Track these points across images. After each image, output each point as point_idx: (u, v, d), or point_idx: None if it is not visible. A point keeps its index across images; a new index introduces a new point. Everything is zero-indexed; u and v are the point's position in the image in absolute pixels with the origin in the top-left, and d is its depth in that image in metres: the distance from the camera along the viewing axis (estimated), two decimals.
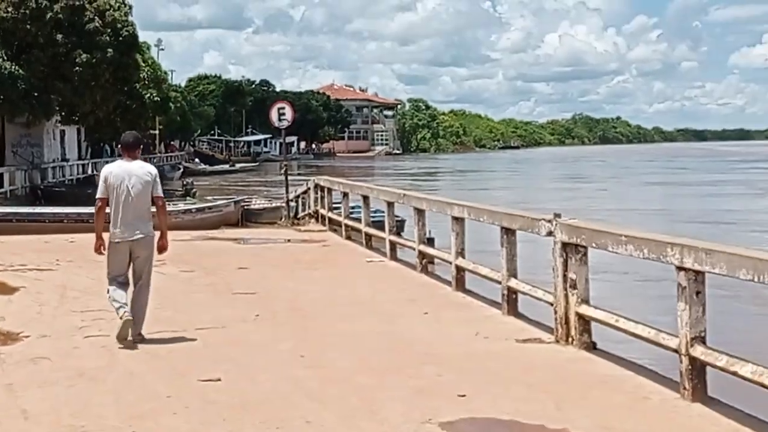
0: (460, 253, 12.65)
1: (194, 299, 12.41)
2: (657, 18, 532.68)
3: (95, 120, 41.41)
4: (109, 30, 37.05)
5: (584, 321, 8.80)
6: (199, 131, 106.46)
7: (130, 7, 41.33)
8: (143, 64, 52.01)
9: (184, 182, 43.09)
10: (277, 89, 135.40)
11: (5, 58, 33.83)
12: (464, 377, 7.91)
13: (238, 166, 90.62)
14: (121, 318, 9.26)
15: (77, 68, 35.60)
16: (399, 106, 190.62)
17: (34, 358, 8.76)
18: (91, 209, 9.84)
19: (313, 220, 24.00)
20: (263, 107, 77.06)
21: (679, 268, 7.03)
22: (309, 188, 24.77)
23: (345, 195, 20.52)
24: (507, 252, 10.68)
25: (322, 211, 22.91)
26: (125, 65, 39.06)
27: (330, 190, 22.43)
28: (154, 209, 9.64)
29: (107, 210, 9.46)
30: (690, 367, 7.03)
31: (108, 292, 9.55)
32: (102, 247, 9.43)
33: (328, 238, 20.33)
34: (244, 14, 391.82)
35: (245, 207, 26.39)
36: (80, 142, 53.47)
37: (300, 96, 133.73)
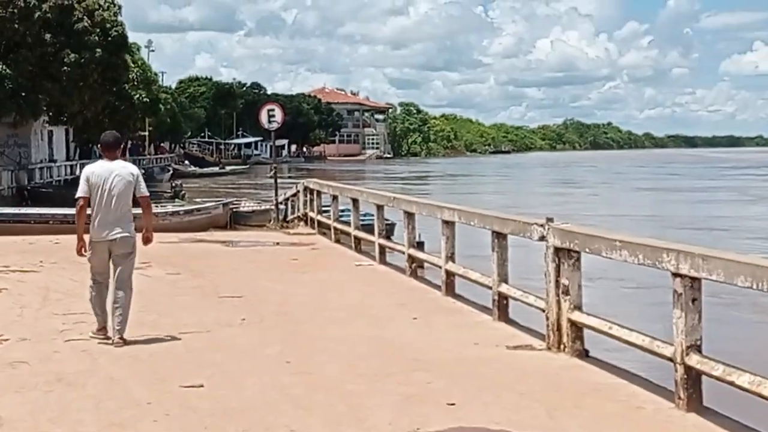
0: (450, 258, 12.46)
1: (179, 302, 12.18)
2: (648, 24, 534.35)
3: (83, 120, 41.14)
4: (98, 30, 36.83)
5: (577, 328, 8.61)
6: (189, 133, 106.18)
7: (120, 7, 41.09)
8: (133, 65, 51.73)
9: (173, 184, 42.86)
10: (269, 92, 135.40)
11: None
12: (454, 384, 7.71)
13: (228, 168, 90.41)
14: (96, 330, 9.52)
15: (65, 68, 35.36)
16: (390, 110, 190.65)
17: (13, 362, 8.52)
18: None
19: (302, 223, 23.79)
20: (254, 110, 76.80)
21: (675, 275, 6.84)
22: (298, 191, 24.57)
23: (334, 198, 20.33)
24: (498, 257, 10.49)
25: (312, 214, 22.71)
26: (114, 65, 38.82)
27: (319, 193, 22.23)
28: (136, 210, 9.52)
29: (88, 210, 9.38)
30: (685, 376, 6.85)
31: (90, 297, 9.59)
32: (84, 249, 9.39)
33: (317, 242, 20.13)
34: (236, 17, 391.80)
35: (234, 209, 26.12)
36: (68, 142, 53.13)
37: (291, 99, 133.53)
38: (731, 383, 6.40)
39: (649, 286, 15.13)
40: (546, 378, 7.96)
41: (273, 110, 25.37)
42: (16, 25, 34.30)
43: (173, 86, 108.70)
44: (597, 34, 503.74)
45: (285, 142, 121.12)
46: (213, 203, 27.07)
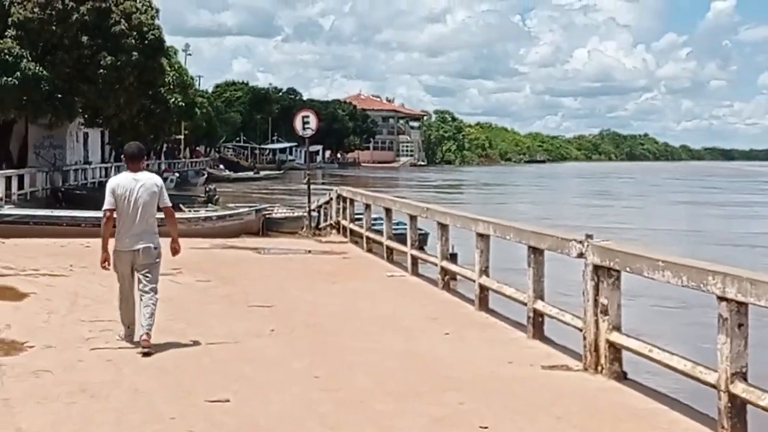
0: (484, 272, 12.20)
1: (208, 311, 12.00)
2: (687, 36, 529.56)
3: (119, 123, 41.12)
4: (134, 33, 36.81)
5: (615, 349, 8.33)
6: (224, 137, 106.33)
7: (157, 11, 41.12)
8: (169, 69, 51.80)
9: (207, 188, 42.74)
10: (304, 98, 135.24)
11: (30, 59, 33.65)
12: (487, 405, 7.46)
13: (262, 173, 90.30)
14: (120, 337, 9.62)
15: (102, 71, 35.34)
16: (425, 118, 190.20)
17: (36, 370, 8.37)
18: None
19: (334, 231, 23.59)
20: (289, 115, 76.79)
21: (721, 299, 6.57)
22: (331, 198, 24.38)
23: (367, 206, 20.13)
24: (534, 272, 10.22)
25: (344, 223, 22.52)
26: (150, 69, 38.79)
27: (352, 201, 22.04)
28: (160, 217, 9.61)
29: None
30: (729, 404, 6.57)
31: (119, 305, 9.72)
32: (107, 262, 9.51)
33: (348, 250, 19.92)
34: (274, 22, 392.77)
35: (266, 215, 25.97)
36: (104, 145, 53.33)
37: (327, 105, 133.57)
38: None
39: (690, 305, 14.70)
40: (583, 401, 7.69)
41: (308, 117, 25.20)
42: (54, 27, 34.33)
43: (210, 90, 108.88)
44: (635, 44, 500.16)
45: (319, 147, 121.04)
46: (246, 209, 26.91)
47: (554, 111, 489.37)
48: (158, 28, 39.91)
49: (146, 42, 38.02)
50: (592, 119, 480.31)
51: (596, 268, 8.47)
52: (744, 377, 6.54)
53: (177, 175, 62.87)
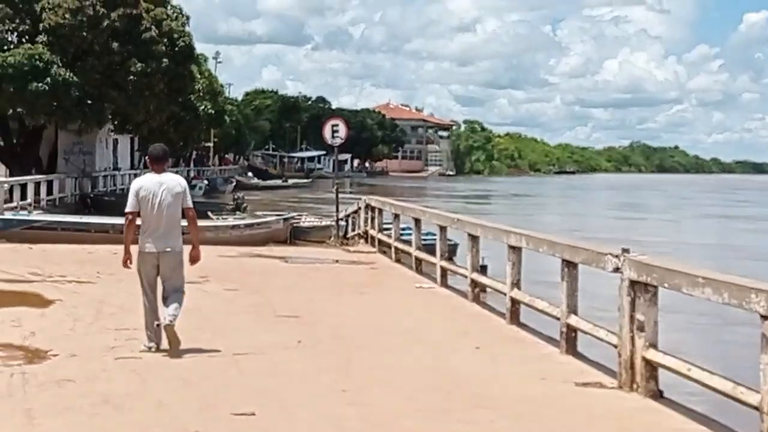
0: (516, 284, 11.95)
1: (235, 321, 11.84)
2: (719, 48, 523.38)
3: (148, 130, 41.11)
4: (165, 40, 36.81)
5: (651, 367, 8.07)
6: (253, 145, 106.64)
7: (187, 18, 41.16)
8: (199, 76, 51.89)
9: (236, 196, 42.76)
10: (333, 106, 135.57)
11: (60, 65, 33.73)
12: (519, 425, 7.25)
13: (290, 181, 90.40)
14: (146, 346, 9.51)
15: (132, 77, 35.34)
16: (454, 127, 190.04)
17: (60, 380, 8.22)
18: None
19: (362, 241, 23.42)
20: (318, 124, 76.86)
21: (765, 317, 6.31)
22: (360, 208, 24.21)
23: (396, 216, 19.94)
24: (567, 286, 9.96)
25: (372, 232, 22.34)
26: (180, 76, 38.78)
27: (381, 211, 21.87)
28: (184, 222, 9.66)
29: (137, 222, 9.56)
30: None
31: (144, 311, 9.65)
32: (129, 261, 9.59)
33: (377, 261, 19.73)
34: (304, 31, 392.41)
35: (294, 224, 25.87)
36: (133, 151, 53.45)
37: (356, 114, 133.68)
38: None
39: (730, 322, 14.35)
40: (618, 421, 7.46)
41: (337, 125, 25.09)
42: (85, 34, 34.35)
43: (239, 98, 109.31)
44: (666, 56, 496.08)
45: (348, 156, 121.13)
46: (273, 217, 26.85)
47: (584, 122, 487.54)
48: (188, 35, 39.93)
49: (176, 49, 38.03)
50: (622, 131, 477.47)
51: (633, 284, 8.23)
52: None
53: (206, 182, 62.95)
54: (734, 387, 6.82)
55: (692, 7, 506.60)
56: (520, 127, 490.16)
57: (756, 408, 6.50)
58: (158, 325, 9.40)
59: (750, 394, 6.58)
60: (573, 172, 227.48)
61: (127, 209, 9.51)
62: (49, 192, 34.49)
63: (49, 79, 33.54)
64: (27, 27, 35.63)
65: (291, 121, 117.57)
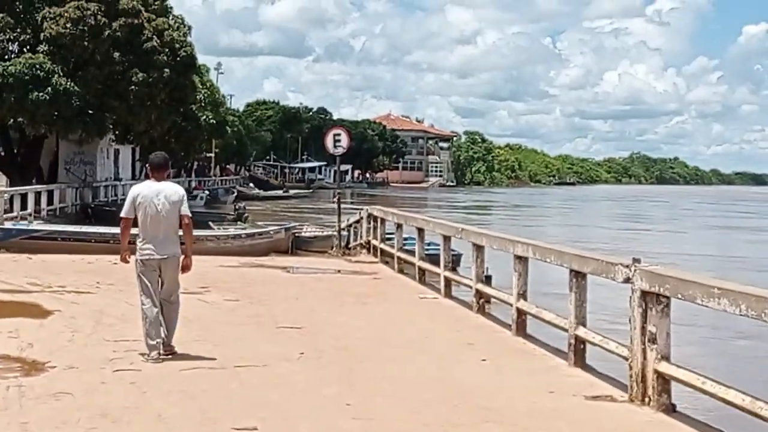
0: (522, 295, 11.76)
1: (236, 332, 11.63)
2: (718, 60, 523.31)
3: (150, 140, 40.92)
4: (166, 50, 36.61)
5: (664, 380, 7.87)
6: (254, 156, 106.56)
7: (189, 28, 40.99)
8: (201, 87, 51.73)
9: (237, 206, 42.57)
10: (334, 117, 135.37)
11: (61, 74, 33.55)
12: None
13: (291, 192, 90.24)
14: (148, 356, 9.45)
15: (133, 87, 35.16)
16: (455, 139, 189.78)
17: (57, 393, 8.02)
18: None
19: (364, 251, 23.22)
20: (319, 134, 76.66)
21: None
22: (362, 218, 24.01)
23: (399, 226, 19.74)
24: (576, 297, 9.77)
25: (374, 242, 22.15)
26: (182, 86, 38.60)
27: (383, 221, 21.66)
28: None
29: (134, 231, 9.68)
30: None
31: (143, 317, 9.59)
32: (128, 255, 9.75)
33: (379, 271, 19.53)
34: (305, 42, 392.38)
35: (296, 234, 25.67)
36: (134, 161, 53.30)
37: (356, 125, 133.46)
38: None
39: (745, 334, 14.09)
40: None
41: (339, 135, 24.87)
42: (86, 43, 34.16)
43: (241, 109, 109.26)
44: (665, 68, 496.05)
45: (349, 167, 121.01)
46: (275, 227, 26.65)
47: (584, 133, 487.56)
48: (190, 45, 39.77)
49: (178, 59, 37.86)
50: (622, 142, 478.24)
51: (644, 294, 8.03)
52: None
53: (207, 192, 62.81)
54: (753, 401, 6.61)
55: (691, 20, 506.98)
56: (521, 139, 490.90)
57: None
58: (159, 354, 9.45)
59: None
60: (573, 184, 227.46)
61: (122, 214, 9.70)
62: (50, 202, 34.31)
63: (50, 88, 33.36)
64: (28, 36, 35.47)
65: (292, 132, 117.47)
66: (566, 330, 9.99)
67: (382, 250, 21.33)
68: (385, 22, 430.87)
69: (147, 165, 10.84)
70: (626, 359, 8.38)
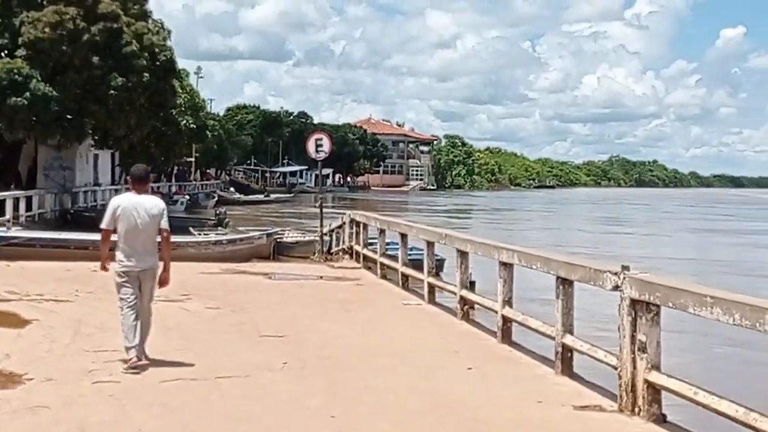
0: (508, 302, 11.62)
1: (218, 341, 11.43)
2: (696, 63, 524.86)
3: (129, 145, 40.73)
4: (146, 54, 36.44)
5: (654, 390, 7.73)
6: (235, 160, 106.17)
7: (169, 32, 40.88)
8: (181, 91, 51.46)
9: (218, 211, 42.28)
10: (315, 121, 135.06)
11: (40, 79, 33.26)
12: None
13: (272, 196, 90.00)
14: (128, 361, 9.37)
15: (112, 91, 34.95)
16: (435, 142, 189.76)
17: (34, 406, 7.82)
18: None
19: (347, 256, 23.04)
20: (300, 139, 76.39)
21: None
22: (344, 223, 23.82)
23: (381, 232, 19.57)
24: (562, 305, 9.63)
25: (357, 248, 21.97)
26: (161, 90, 38.41)
27: (366, 226, 21.49)
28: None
29: (113, 238, 9.71)
30: None
31: (122, 322, 9.61)
32: (107, 264, 9.79)
33: (362, 277, 19.36)
34: (285, 47, 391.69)
35: (278, 239, 25.46)
36: (114, 166, 52.95)
37: (337, 129, 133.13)
38: None
39: (736, 342, 13.93)
40: None
41: (321, 140, 24.66)
42: (64, 48, 33.95)
43: (221, 113, 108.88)
44: (644, 71, 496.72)
45: (330, 171, 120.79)
46: (256, 233, 26.43)
47: (563, 137, 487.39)
48: (170, 50, 39.59)
49: (157, 63, 37.68)
50: (601, 145, 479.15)
51: (634, 303, 7.89)
52: None
53: (187, 197, 62.47)
54: (746, 412, 6.48)
55: (670, 23, 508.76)
56: (500, 142, 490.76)
57: None
58: (138, 357, 9.42)
59: (764, 420, 6.24)
60: (553, 187, 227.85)
61: (103, 226, 9.72)
62: (29, 208, 33.99)
63: (28, 93, 33.10)
64: (6, 41, 35.21)
65: (273, 136, 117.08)
66: (553, 338, 9.85)
67: (365, 256, 21.16)
68: (365, 26, 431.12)
69: (128, 177, 10.78)
70: (615, 368, 8.24)
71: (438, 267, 17.80)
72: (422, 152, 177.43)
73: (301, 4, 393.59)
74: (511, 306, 11.62)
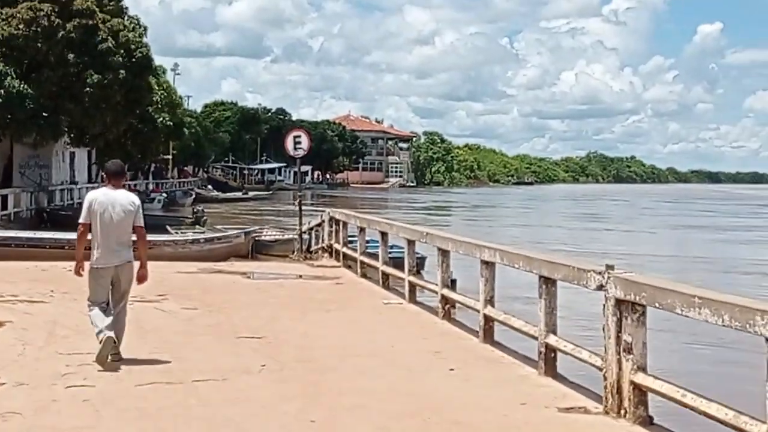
0: (490, 301, 11.46)
1: (195, 343, 11.20)
2: (674, 59, 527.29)
3: (105, 142, 40.41)
4: (122, 51, 36.13)
5: (640, 391, 7.58)
6: (213, 157, 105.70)
7: (145, 29, 40.52)
8: (158, 88, 51.12)
9: (195, 209, 41.95)
10: (294, 118, 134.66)
11: (14, 76, 32.89)
12: None
13: (251, 194, 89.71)
14: (100, 342, 9.37)
15: (88, 89, 34.63)
16: (414, 139, 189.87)
17: (4, 413, 7.57)
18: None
19: (326, 255, 22.84)
20: (279, 135, 76.13)
21: None
22: (324, 221, 23.62)
23: (361, 230, 19.38)
24: (546, 304, 9.46)
25: (337, 246, 21.77)
26: (137, 87, 38.10)
27: (345, 224, 21.29)
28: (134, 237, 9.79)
29: (89, 236, 9.67)
30: None
31: (90, 315, 9.67)
32: (81, 269, 9.64)
33: (342, 275, 19.17)
34: (263, 43, 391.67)
35: (256, 238, 25.24)
36: (90, 164, 52.53)
37: (316, 125, 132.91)
38: None
39: (726, 342, 13.78)
40: None
41: (299, 137, 24.41)
42: (39, 44, 33.61)
43: (198, 110, 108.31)
44: (622, 67, 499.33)
45: (309, 168, 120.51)
46: (235, 231, 26.21)
47: (541, 133, 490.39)
48: (146, 46, 39.28)
49: (134, 60, 37.38)
50: (579, 141, 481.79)
51: (619, 303, 7.74)
52: None
53: (165, 195, 62.10)
54: (736, 416, 6.33)
55: (647, 19, 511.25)
56: (479, 139, 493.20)
57: None
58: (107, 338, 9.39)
59: (755, 424, 6.10)
60: (531, 183, 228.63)
61: (80, 220, 9.67)
62: (4, 207, 33.67)
63: (2, 91, 32.75)
64: None
65: (251, 133, 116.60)
66: (536, 338, 9.70)
67: (344, 254, 20.97)
68: (344, 22, 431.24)
69: (104, 172, 10.65)
70: (600, 369, 8.09)
71: (419, 265, 17.65)
72: (401, 149, 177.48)
73: (278, 0, 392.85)
74: (493, 305, 11.46)
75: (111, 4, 38.34)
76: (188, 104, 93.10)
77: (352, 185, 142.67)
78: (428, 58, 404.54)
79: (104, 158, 47.32)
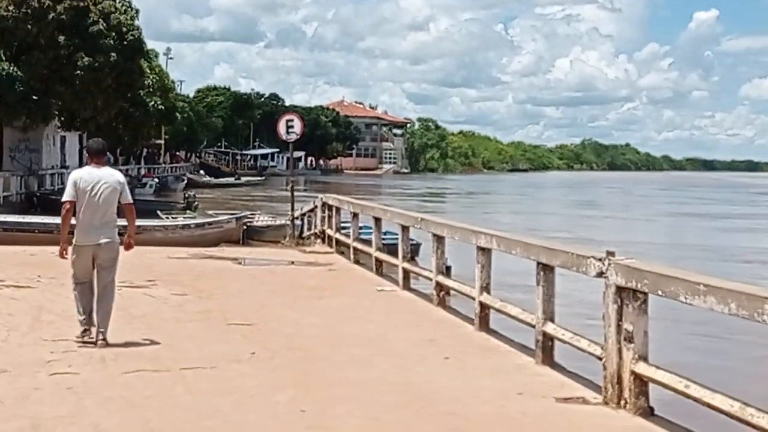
0: (485, 288, 11.22)
1: (184, 330, 10.96)
2: (669, 46, 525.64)
3: (96, 126, 39.97)
4: (113, 33, 35.78)
5: (641, 382, 7.35)
6: (205, 142, 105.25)
7: (137, 12, 40.13)
8: (149, 72, 50.72)
9: (187, 194, 41.69)
10: (287, 103, 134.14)
11: (4, 58, 32.57)
12: None
13: (243, 179, 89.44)
14: (81, 332, 9.56)
15: (79, 71, 34.28)
16: (408, 125, 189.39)
17: None
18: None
19: (319, 241, 22.58)
20: (272, 121, 75.73)
21: None
22: (316, 206, 23.35)
23: (355, 215, 19.12)
24: (543, 292, 9.22)
25: (329, 232, 21.51)
26: (129, 70, 37.74)
27: (338, 210, 21.03)
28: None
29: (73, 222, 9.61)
30: None
31: (75, 297, 9.74)
32: (65, 252, 9.66)
33: (334, 262, 18.92)
34: (256, 28, 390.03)
35: (248, 224, 24.98)
36: (82, 148, 52.13)
37: (309, 111, 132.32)
38: None
39: (730, 331, 13.51)
40: None
41: (292, 120, 24.12)
42: (29, 26, 33.26)
43: (191, 95, 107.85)
44: (617, 54, 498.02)
45: (302, 154, 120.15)
46: (226, 217, 25.95)
47: (536, 120, 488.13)
48: (138, 29, 38.91)
49: (125, 43, 37.02)
50: (573, 129, 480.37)
51: (619, 290, 7.50)
52: None
53: (156, 180, 61.81)
54: (742, 407, 6.10)
55: (643, 6, 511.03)
56: (473, 126, 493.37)
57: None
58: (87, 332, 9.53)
59: (762, 416, 5.87)
60: (526, 170, 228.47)
61: (65, 198, 9.57)
62: None
63: None
64: None
65: (244, 119, 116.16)
66: (533, 326, 9.46)
67: (337, 240, 20.72)
68: (338, 7, 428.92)
69: (86, 151, 10.45)
70: (600, 359, 7.86)
71: (413, 252, 17.39)
72: (395, 135, 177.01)
73: None
74: (489, 292, 11.22)
75: None
76: (181, 89, 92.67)
77: (345, 171, 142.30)
78: (423, 44, 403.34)
79: None
